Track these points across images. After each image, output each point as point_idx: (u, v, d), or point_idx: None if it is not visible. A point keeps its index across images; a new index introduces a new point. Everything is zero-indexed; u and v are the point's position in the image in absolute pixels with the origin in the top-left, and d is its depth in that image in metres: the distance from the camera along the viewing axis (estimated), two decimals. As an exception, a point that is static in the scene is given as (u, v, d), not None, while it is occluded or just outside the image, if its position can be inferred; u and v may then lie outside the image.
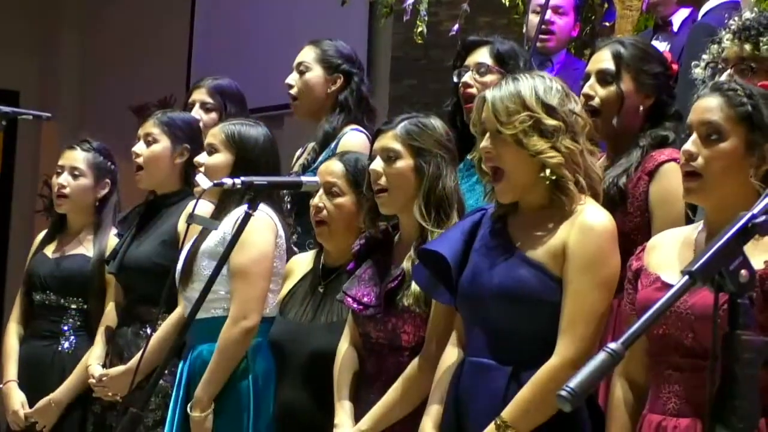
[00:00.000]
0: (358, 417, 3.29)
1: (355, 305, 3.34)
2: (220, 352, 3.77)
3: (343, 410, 3.33)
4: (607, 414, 2.90)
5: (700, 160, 2.73)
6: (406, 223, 3.37)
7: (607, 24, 5.51)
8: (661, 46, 4.42)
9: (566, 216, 2.93)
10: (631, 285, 2.87)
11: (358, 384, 3.36)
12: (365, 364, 3.36)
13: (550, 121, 2.92)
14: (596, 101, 3.45)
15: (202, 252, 3.86)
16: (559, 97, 2.96)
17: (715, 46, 3.45)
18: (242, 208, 3.76)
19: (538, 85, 2.95)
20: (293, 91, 4.47)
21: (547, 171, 2.91)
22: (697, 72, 3.48)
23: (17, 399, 4.49)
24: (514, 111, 2.92)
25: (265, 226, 3.86)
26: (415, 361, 3.21)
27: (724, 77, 3.32)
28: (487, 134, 2.96)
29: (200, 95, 4.76)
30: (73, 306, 4.51)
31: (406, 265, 3.28)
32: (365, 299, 3.33)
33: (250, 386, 3.76)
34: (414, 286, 3.23)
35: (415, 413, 3.16)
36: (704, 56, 3.48)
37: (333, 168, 3.62)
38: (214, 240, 3.83)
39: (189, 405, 3.78)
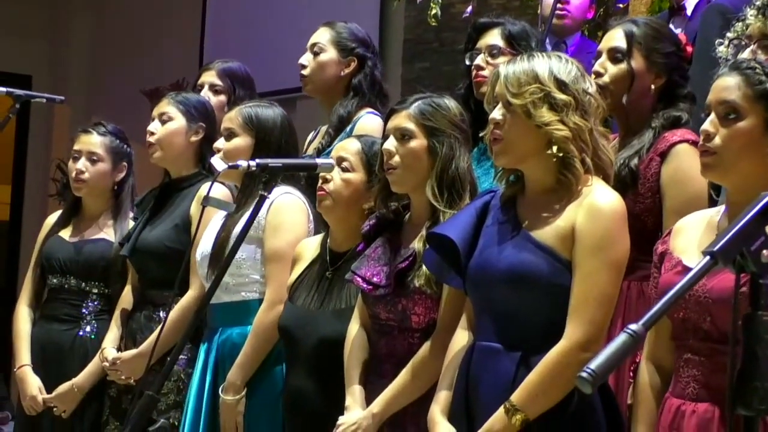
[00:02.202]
0: (368, 399, 3.29)
1: (364, 285, 3.33)
2: (256, 335, 3.76)
3: (353, 393, 3.32)
4: (634, 398, 2.89)
5: (717, 140, 2.72)
6: (417, 203, 3.36)
7: (621, 6, 5.48)
8: (676, 31, 4.39)
9: (574, 197, 2.91)
10: (656, 269, 2.86)
11: (369, 366, 3.36)
12: (375, 346, 3.35)
13: (561, 96, 2.91)
14: (606, 78, 3.44)
15: (235, 236, 3.84)
16: (573, 75, 2.95)
17: (740, 23, 3.43)
18: (276, 191, 3.77)
19: (553, 63, 2.95)
20: (306, 71, 4.45)
21: (554, 148, 2.90)
22: (721, 50, 3.45)
23: (34, 384, 4.44)
24: (526, 83, 2.92)
25: (299, 210, 3.87)
26: (426, 344, 3.21)
27: (746, 54, 3.29)
28: (499, 105, 2.96)
29: (209, 77, 4.77)
30: (95, 290, 4.49)
31: (417, 245, 3.27)
32: (375, 279, 3.31)
33: (283, 371, 3.74)
34: (425, 267, 3.22)
35: (427, 396, 3.16)
36: (728, 34, 3.45)
37: (348, 145, 3.63)
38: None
39: (221, 388, 3.78)
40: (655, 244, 2.90)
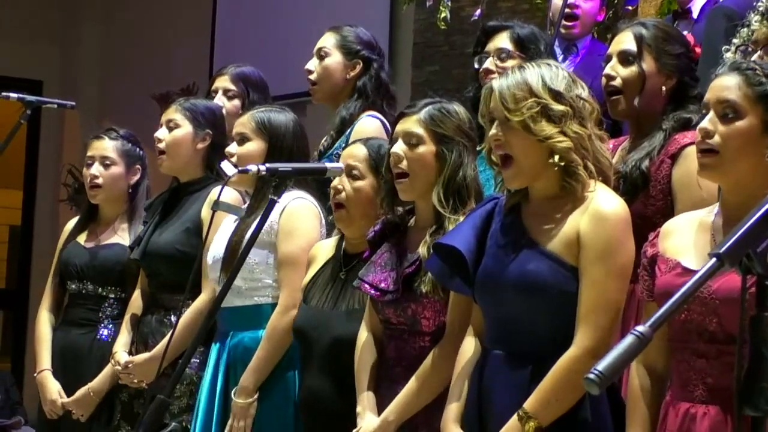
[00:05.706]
0: (380, 403, 3.31)
1: (372, 291, 3.34)
2: (269, 340, 3.77)
3: (365, 399, 3.34)
4: (626, 401, 2.89)
5: (716, 138, 2.72)
6: (422, 208, 3.37)
7: (630, 8, 5.48)
8: (681, 34, 4.40)
9: (578, 203, 2.92)
10: (646, 271, 2.85)
11: (379, 370, 3.37)
12: (386, 349, 3.36)
13: (558, 107, 2.91)
14: (618, 81, 3.44)
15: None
16: (566, 83, 2.95)
17: (745, 29, 3.43)
18: (288, 196, 3.78)
19: (544, 73, 2.95)
20: (313, 77, 4.46)
21: (556, 157, 2.90)
22: (728, 56, 3.45)
23: (54, 388, 4.46)
24: (522, 98, 2.92)
25: (311, 214, 3.88)
26: (435, 349, 3.22)
27: (754, 60, 3.29)
28: (496, 122, 2.96)
29: (223, 82, 4.77)
30: (112, 295, 4.50)
31: (422, 250, 3.27)
32: (382, 285, 3.33)
33: (296, 375, 3.76)
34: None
35: (438, 398, 3.17)
36: (734, 40, 3.45)
37: (356, 152, 3.63)
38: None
39: (233, 391, 3.79)
40: (643, 246, 2.90)
